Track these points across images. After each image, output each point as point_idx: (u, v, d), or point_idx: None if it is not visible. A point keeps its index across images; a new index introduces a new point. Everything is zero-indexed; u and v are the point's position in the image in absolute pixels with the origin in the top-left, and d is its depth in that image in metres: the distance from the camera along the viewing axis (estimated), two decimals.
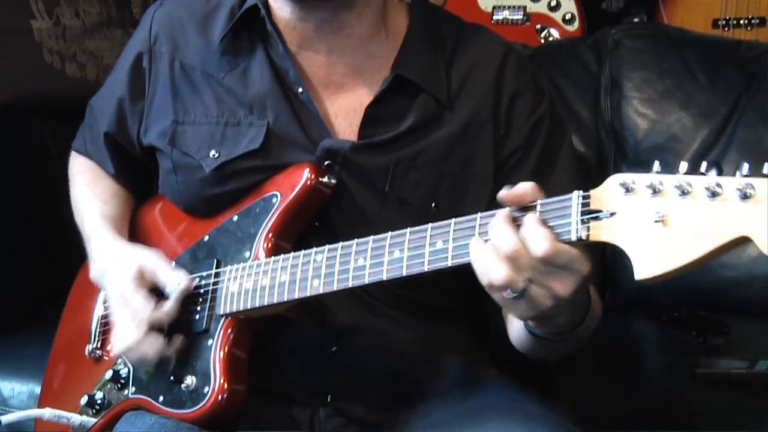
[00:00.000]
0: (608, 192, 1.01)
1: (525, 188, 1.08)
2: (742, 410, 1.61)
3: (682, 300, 1.92)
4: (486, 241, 1.08)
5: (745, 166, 0.92)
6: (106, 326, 1.47)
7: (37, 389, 1.63)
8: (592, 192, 1.02)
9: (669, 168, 0.98)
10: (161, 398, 1.32)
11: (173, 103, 1.44)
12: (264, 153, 1.36)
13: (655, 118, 2.06)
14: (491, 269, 1.06)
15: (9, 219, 1.99)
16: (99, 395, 1.42)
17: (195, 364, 1.30)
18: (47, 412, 1.41)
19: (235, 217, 1.37)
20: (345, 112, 1.38)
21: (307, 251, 1.24)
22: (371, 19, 1.37)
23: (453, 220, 1.12)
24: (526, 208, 1.08)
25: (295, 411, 1.35)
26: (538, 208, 1.06)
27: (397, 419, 1.34)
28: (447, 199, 1.35)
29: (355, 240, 1.19)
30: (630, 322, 1.96)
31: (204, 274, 1.35)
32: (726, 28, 2.72)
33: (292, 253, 1.26)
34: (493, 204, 1.12)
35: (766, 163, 0.91)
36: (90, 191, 1.55)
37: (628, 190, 0.99)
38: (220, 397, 1.27)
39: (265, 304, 1.26)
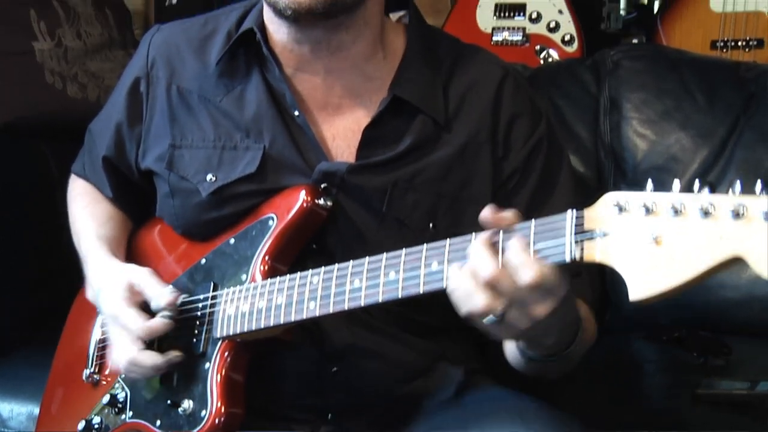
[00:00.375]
0: (602, 211, 1.01)
1: (507, 214, 1.09)
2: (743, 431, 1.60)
3: (682, 320, 1.91)
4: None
5: (738, 185, 0.92)
6: (103, 350, 1.47)
7: (36, 410, 1.63)
8: (585, 211, 1.02)
9: (665, 188, 0.98)
10: (159, 422, 1.32)
11: (170, 127, 1.44)
12: (260, 177, 1.37)
13: (655, 138, 2.07)
14: (470, 298, 1.06)
15: (9, 239, 1.99)
16: (96, 420, 1.42)
17: (192, 388, 1.30)
18: None
19: (232, 240, 1.37)
20: (343, 133, 1.38)
21: (304, 273, 1.24)
22: (368, 39, 1.38)
23: (448, 240, 1.12)
24: (508, 231, 1.08)
25: (296, 430, 1.35)
26: (528, 230, 1.06)
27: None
28: (445, 220, 1.35)
29: (351, 261, 1.19)
30: (630, 342, 1.96)
31: (201, 297, 1.35)
32: (724, 50, 2.73)
33: (289, 276, 1.26)
34: None
35: (758, 182, 0.91)
36: (88, 213, 1.55)
37: (621, 209, 0.99)
38: (217, 421, 1.27)
39: (262, 326, 1.26)
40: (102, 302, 1.39)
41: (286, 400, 1.35)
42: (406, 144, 1.35)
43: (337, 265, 1.21)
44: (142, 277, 1.36)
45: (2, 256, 1.97)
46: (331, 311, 1.20)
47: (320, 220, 1.33)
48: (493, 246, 1.08)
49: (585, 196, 1.16)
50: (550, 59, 2.89)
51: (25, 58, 2.20)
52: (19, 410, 1.80)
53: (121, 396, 1.39)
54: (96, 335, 1.50)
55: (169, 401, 1.31)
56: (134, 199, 1.56)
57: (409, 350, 1.37)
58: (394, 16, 1.48)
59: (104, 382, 1.46)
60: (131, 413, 1.37)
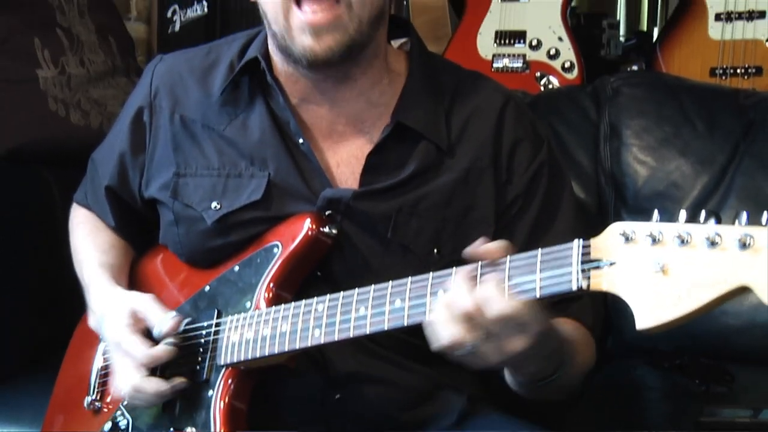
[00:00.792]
0: (608, 241, 1.01)
1: (493, 246, 1.10)
2: None
3: (684, 347, 1.91)
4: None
5: (744, 215, 0.93)
6: (105, 377, 1.47)
7: None
8: (592, 241, 1.03)
9: (669, 215, 0.98)
10: None
11: (174, 155, 1.45)
12: (265, 204, 1.37)
13: (655, 165, 2.07)
14: (443, 330, 1.08)
15: (11, 266, 1.99)
16: None
17: (195, 415, 1.30)
18: None
19: (236, 268, 1.37)
20: (347, 160, 1.39)
21: (308, 301, 1.24)
22: (375, 69, 1.39)
23: (454, 268, 1.13)
24: (491, 264, 1.10)
25: None
26: (507, 265, 1.08)
27: None
28: (449, 245, 1.36)
29: (357, 289, 1.20)
30: (632, 369, 1.95)
31: (204, 324, 1.35)
32: (723, 77, 2.74)
33: (293, 303, 1.26)
34: None
35: (765, 213, 0.91)
36: (90, 242, 1.56)
37: (628, 239, 0.99)
38: None
39: (266, 354, 1.26)
40: (105, 329, 1.39)
41: (290, 427, 1.35)
42: (410, 170, 1.36)
43: (342, 293, 1.21)
44: (144, 303, 1.36)
45: (4, 282, 1.97)
46: (336, 339, 1.20)
47: (325, 248, 1.33)
48: (473, 279, 1.10)
49: (586, 220, 1.17)
50: (550, 86, 2.91)
51: (29, 85, 2.20)
52: None
53: (122, 423, 1.39)
54: (98, 362, 1.49)
55: (171, 429, 1.31)
56: (136, 227, 1.56)
57: (412, 377, 1.37)
58: (395, 43, 1.49)
59: (106, 410, 1.45)
60: None
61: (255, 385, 1.31)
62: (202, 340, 1.34)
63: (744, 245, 0.91)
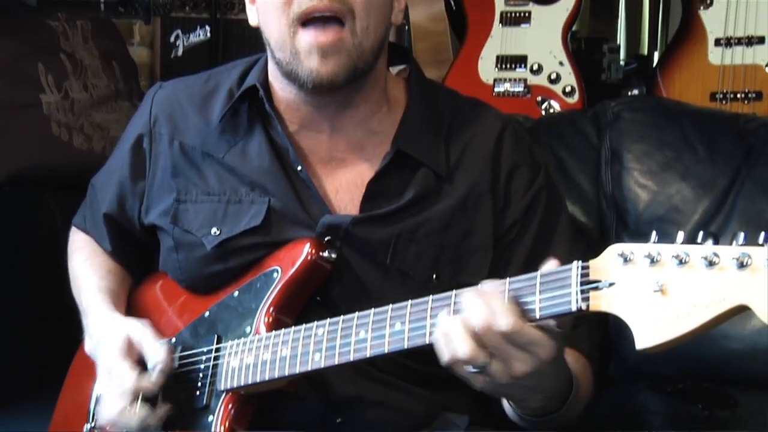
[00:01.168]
0: (607, 262, 1.02)
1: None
2: None
3: (686, 372, 1.90)
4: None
5: (741, 236, 0.93)
6: None
7: None
8: (591, 262, 1.04)
9: (668, 239, 0.99)
10: None
11: (174, 182, 1.45)
12: (265, 230, 1.38)
13: (656, 189, 2.07)
14: (455, 344, 1.09)
15: (11, 290, 1.99)
16: None
17: None
18: None
19: (236, 293, 1.37)
20: (346, 187, 1.40)
21: (308, 325, 1.24)
22: (375, 96, 1.40)
23: (453, 291, 1.13)
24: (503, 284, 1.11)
25: None
26: (506, 287, 1.09)
27: None
28: (448, 271, 1.36)
29: (357, 313, 1.20)
30: (635, 394, 1.94)
31: (204, 349, 1.35)
32: (723, 102, 2.75)
33: (293, 327, 1.26)
34: (493, 274, 1.14)
35: (762, 233, 0.92)
36: (88, 267, 1.56)
37: (626, 260, 1.00)
38: None
39: (266, 378, 1.26)
40: (99, 354, 1.39)
41: None
42: (409, 196, 1.37)
43: (342, 317, 1.21)
44: (140, 331, 1.36)
45: (5, 306, 1.97)
46: (336, 362, 1.20)
47: (324, 273, 1.34)
48: (484, 296, 1.10)
49: (584, 245, 1.18)
50: (551, 110, 2.92)
51: (33, 110, 2.22)
52: None
53: None
54: (97, 389, 1.49)
55: None
56: (134, 253, 1.57)
57: (413, 400, 1.37)
58: (394, 70, 1.50)
59: None
60: None
61: (255, 410, 1.31)
62: (202, 366, 1.34)
63: (742, 265, 0.92)
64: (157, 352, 1.33)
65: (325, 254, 1.33)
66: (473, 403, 1.44)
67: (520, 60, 3.00)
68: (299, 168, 1.39)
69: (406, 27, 3.12)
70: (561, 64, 2.97)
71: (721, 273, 0.93)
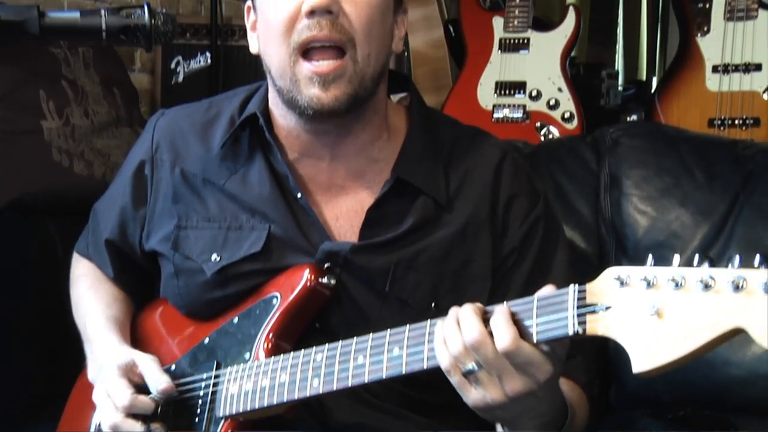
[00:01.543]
0: (603, 285, 1.02)
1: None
2: None
3: (687, 398, 1.90)
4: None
5: (737, 259, 0.94)
6: None
7: None
8: (587, 286, 1.04)
9: (666, 264, 0.99)
10: None
11: (175, 208, 1.46)
12: (265, 256, 1.38)
13: (655, 215, 2.08)
14: (450, 344, 1.10)
15: (12, 316, 1.99)
16: None
17: None
18: None
19: (236, 319, 1.37)
20: (346, 214, 1.40)
21: (307, 351, 1.24)
22: (375, 124, 1.41)
23: (483, 306, 1.14)
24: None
25: None
26: (506, 305, 1.10)
27: None
28: (446, 299, 1.36)
29: (355, 338, 1.20)
30: (635, 421, 1.93)
31: (204, 376, 1.35)
32: (721, 128, 2.77)
33: (292, 353, 1.26)
34: (492, 303, 1.14)
35: (757, 256, 0.92)
36: (92, 294, 1.56)
37: (623, 283, 1.00)
38: None
39: (265, 405, 1.26)
40: (101, 377, 1.39)
41: None
42: (409, 224, 1.37)
43: (340, 342, 1.21)
44: (146, 360, 1.36)
45: (5, 333, 1.96)
46: (334, 388, 1.20)
47: (323, 299, 1.34)
48: (485, 314, 1.12)
49: (582, 273, 1.18)
50: (550, 136, 2.93)
51: (34, 136, 2.22)
52: None
53: None
54: (96, 419, 1.48)
55: None
56: (135, 279, 1.57)
57: (410, 427, 1.36)
58: (395, 98, 1.51)
59: None
60: None
61: None
62: (201, 392, 1.34)
63: (737, 287, 0.92)
64: (158, 382, 1.33)
65: (324, 280, 1.33)
66: (472, 429, 1.44)
67: (519, 86, 3.02)
68: (299, 195, 1.40)
69: (406, 53, 3.14)
70: (560, 90, 2.99)
71: (717, 296, 0.94)
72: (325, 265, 1.35)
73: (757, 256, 0.92)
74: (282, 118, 1.42)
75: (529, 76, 3.01)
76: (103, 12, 1.26)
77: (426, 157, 1.41)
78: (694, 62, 2.86)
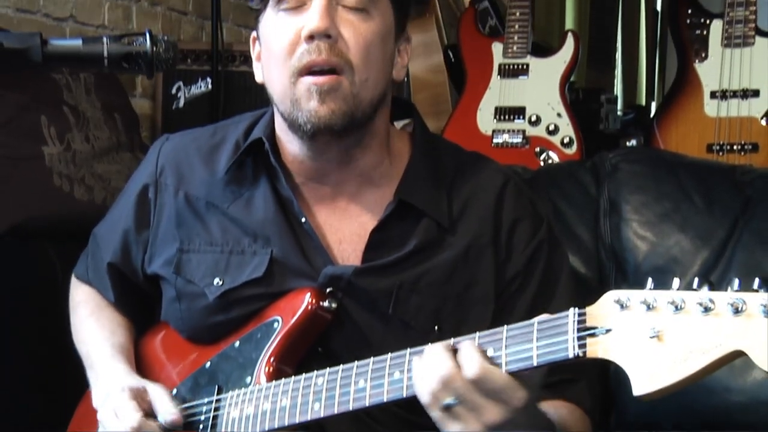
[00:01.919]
0: (603, 309, 1.03)
1: None
2: None
3: (688, 424, 1.89)
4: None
5: (736, 282, 0.94)
6: None
7: None
8: (587, 309, 1.05)
9: (664, 288, 1.00)
10: None
11: (178, 232, 1.46)
12: (267, 281, 1.38)
13: (655, 240, 2.08)
14: (426, 380, 1.11)
15: (11, 342, 1.99)
16: None
17: None
18: None
19: (237, 343, 1.37)
20: (349, 237, 1.41)
21: (308, 375, 1.24)
22: (376, 150, 1.41)
23: (452, 340, 1.15)
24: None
25: None
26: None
27: None
28: (449, 322, 1.36)
29: (356, 362, 1.20)
30: None
31: (205, 400, 1.35)
32: (720, 153, 2.78)
33: (293, 377, 1.26)
34: (495, 326, 1.15)
35: (756, 279, 0.93)
36: (94, 321, 1.56)
37: (623, 306, 1.01)
38: None
39: (266, 429, 1.26)
40: (107, 402, 1.39)
41: None
42: (411, 247, 1.38)
43: (342, 366, 1.22)
44: (157, 389, 1.37)
45: (4, 359, 1.96)
46: (336, 412, 1.20)
47: (325, 323, 1.34)
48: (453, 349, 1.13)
49: (585, 297, 1.18)
50: (549, 161, 2.94)
51: (35, 162, 2.23)
52: None
53: None
54: None
55: None
56: (136, 303, 1.57)
57: None
58: (398, 124, 1.52)
59: None
60: None
61: None
62: (203, 417, 1.34)
63: (737, 310, 0.93)
64: (168, 412, 1.32)
65: (326, 304, 1.34)
66: None
67: (519, 111, 3.03)
68: (303, 219, 1.40)
69: (406, 78, 3.15)
70: (559, 115, 3.00)
71: (716, 319, 0.94)
72: (327, 290, 1.35)
73: (756, 279, 0.93)
74: (288, 143, 1.43)
75: (529, 101, 3.02)
76: (105, 39, 1.26)
77: (429, 180, 1.42)
78: (692, 88, 2.87)
